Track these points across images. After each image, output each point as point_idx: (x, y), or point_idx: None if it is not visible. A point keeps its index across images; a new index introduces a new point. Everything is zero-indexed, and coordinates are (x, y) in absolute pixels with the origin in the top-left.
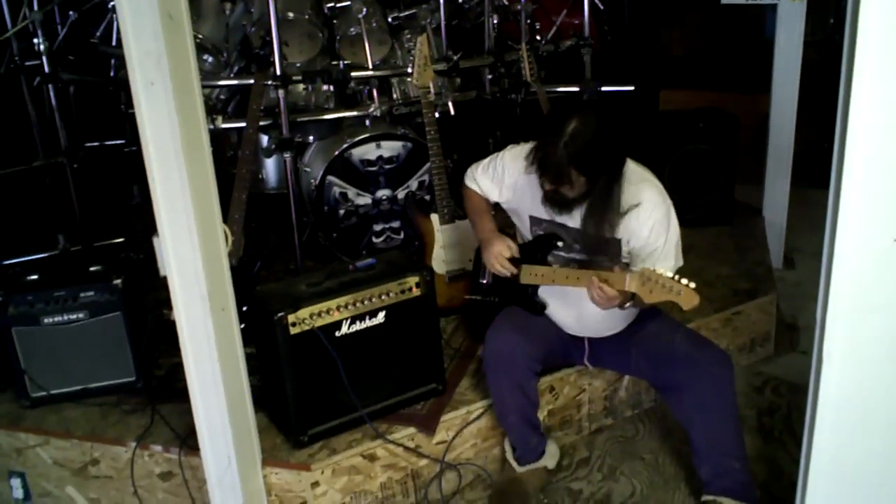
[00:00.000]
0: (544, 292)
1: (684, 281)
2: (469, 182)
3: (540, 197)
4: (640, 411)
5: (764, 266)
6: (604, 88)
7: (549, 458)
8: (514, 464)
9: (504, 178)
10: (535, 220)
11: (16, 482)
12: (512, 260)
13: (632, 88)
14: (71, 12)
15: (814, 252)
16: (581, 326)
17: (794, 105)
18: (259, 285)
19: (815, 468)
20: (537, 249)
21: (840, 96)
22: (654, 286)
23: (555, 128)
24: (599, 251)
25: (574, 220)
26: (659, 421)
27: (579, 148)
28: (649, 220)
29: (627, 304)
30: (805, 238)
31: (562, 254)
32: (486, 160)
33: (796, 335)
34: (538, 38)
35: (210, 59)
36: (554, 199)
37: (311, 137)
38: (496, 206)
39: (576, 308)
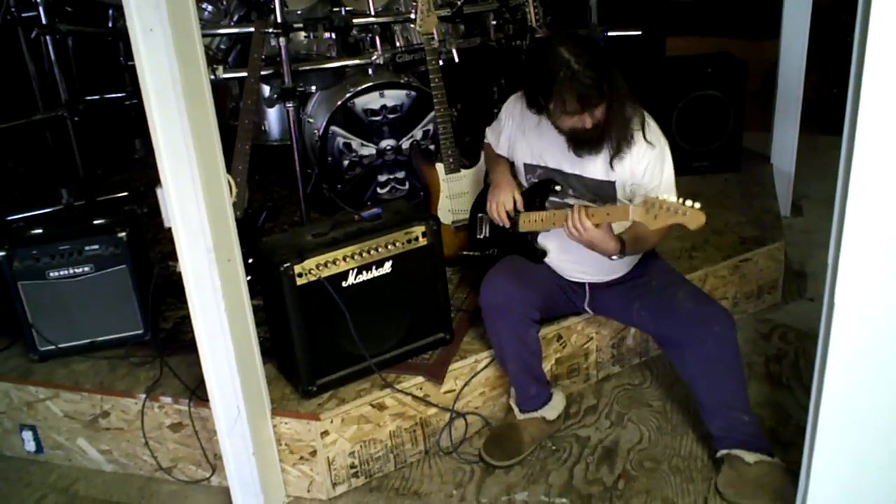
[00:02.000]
0: (543, 239)
1: (689, 202)
2: (486, 137)
3: (531, 143)
4: (648, 359)
5: (772, 213)
6: (610, 33)
7: (550, 410)
8: (515, 409)
9: (502, 129)
10: (528, 168)
11: (27, 435)
12: (511, 216)
13: (639, 33)
14: None
15: (822, 199)
16: (580, 270)
17: (804, 51)
18: (264, 237)
19: (824, 412)
20: (535, 195)
21: (855, 41)
22: (659, 211)
23: (549, 64)
24: (596, 193)
25: (564, 164)
26: (666, 368)
27: (591, 59)
28: (644, 158)
29: (614, 257)
30: (813, 185)
31: (557, 199)
32: (497, 117)
33: (804, 282)
34: None
35: (210, 7)
36: (579, 138)
37: (313, 87)
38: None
39: (574, 252)
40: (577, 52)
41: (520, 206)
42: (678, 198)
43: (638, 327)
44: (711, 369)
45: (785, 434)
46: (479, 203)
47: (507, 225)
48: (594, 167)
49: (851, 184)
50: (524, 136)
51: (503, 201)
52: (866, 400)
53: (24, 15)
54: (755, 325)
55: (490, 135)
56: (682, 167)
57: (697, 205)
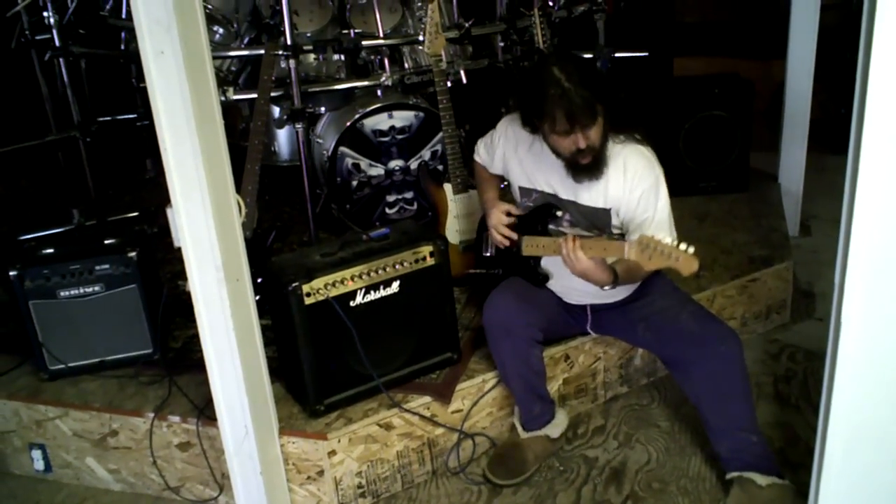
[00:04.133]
0: (546, 263)
1: (682, 246)
2: (475, 155)
3: (525, 166)
4: (656, 379)
5: (780, 233)
6: (617, 54)
7: (553, 428)
8: (519, 428)
9: (496, 150)
10: (524, 192)
11: (36, 454)
12: (514, 227)
13: (646, 54)
14: None
15: (830, 219)
16: (581, 294)
17: (811, 70)
18: (273, 257)
19: (832, 433)
20: (537, 220)
21: (860, 60)
22: (653, 253)
23: (541, 82)
24: (590, 221)
25: (559, 190)
26: (674, 389)
27: (582, 77)
28: (637, 188)
29: (606, 288)
30: (821, 205)
31: (554, 226)
32: (489, 133)
33: (812, 302)
34: (551, 3)
35: (220, 30)
36: (577, 165)
37: (322, 108)
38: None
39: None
40: (568, 71)
41: (514, 212)
42: (673, 236)
43: (643, 348)
44: (718, 390)
45: (794, 455)
46: (485, 221)
47: (515, 238)
48: (588, 194)
49: (857, 203)
50: (516, 158)
51: (497, 221)
52: (874, 420)
53: (38, 38)
54: (764, 345)
55: (483, 153)
56: (690, 187)
57: (691, 249)
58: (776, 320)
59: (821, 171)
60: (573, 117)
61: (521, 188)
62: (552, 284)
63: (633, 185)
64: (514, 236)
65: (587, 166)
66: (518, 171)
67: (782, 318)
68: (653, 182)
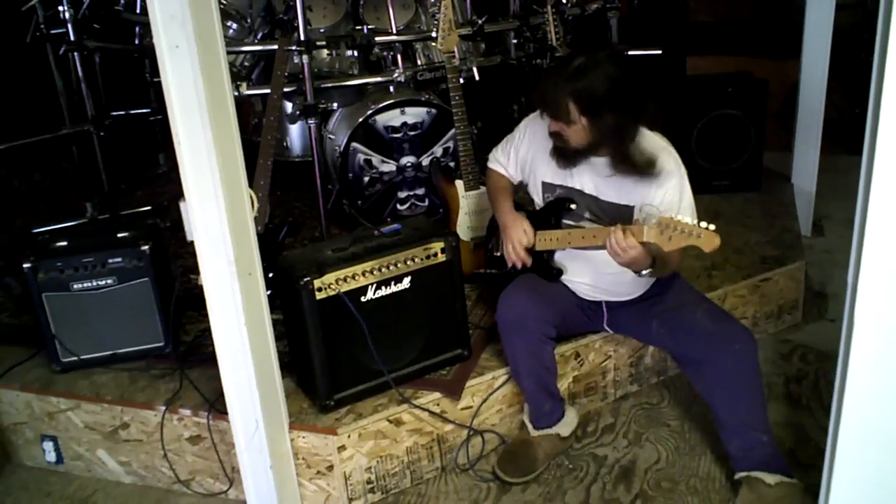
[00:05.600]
0: (560, 260)
1: (703, 224)
2: (490, 163)
3: (552, 161)
4: (666, 378)
5: (792, 233)
6: (631, 52)
7: (564, 427)
8: (529, 426)
9: (519, 147)
10: (547, 187)
11: (48, 445)
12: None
13: (659, 52)
14: None
15: (843, 219)
16: (597, 290)
17: (825, 70)
18: (285, 252)
19: (844, 434)
20: (551, 214)
21: (875, 60)
22: (673, 233)
23: (563, 63)
24: (611, 217)
25: (587, 185)
26: (684, 388)
27: (580, 80)
28: (662, 187)
29: (645, 272)
30: (835, 205)
31: (571, 220)
32: (505, 138)
33: (825, 303)
34: (564, 0)
35: (234, 25)
36: (558, 150)
37: (335, 104)
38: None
39: (591, 272)
40: (589, 63)
41: (531, 239)
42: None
43: (657, 346)
44: (731, 387)
45: (805, 456)
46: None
47: (529, 264)
48: (611, 191)
49: (871, 203)
50: (543, 154)
51: (518, 239)
52: (886, 421)
53: (52, 32)
54: (775, 346)
55: (500, 157)
56: (703, 186)
57: (712, 227)
58: (788, 320)
59: (834, 172)
60: (542, 102)
61: (544, 183)
62: (566, 279)
63: (659, 182)
64: (529, 262)
65: (560, 150)
66: (544, 168)
67: (794, 318)
68: (678, 180)
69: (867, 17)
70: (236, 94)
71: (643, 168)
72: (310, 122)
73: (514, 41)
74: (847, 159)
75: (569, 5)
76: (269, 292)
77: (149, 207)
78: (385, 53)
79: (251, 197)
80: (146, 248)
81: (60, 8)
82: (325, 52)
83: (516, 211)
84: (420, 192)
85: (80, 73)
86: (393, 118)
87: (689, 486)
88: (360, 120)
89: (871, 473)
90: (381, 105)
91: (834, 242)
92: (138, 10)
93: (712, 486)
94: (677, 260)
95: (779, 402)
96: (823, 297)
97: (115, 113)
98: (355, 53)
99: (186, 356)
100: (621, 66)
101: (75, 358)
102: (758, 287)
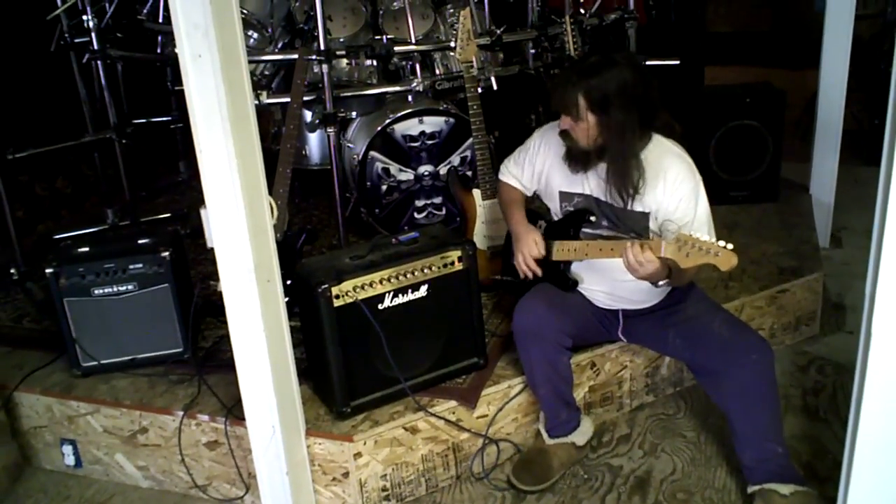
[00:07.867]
0: (576, 268)
1: (721, 242)
2: (502, 176)
3: (565, 168)
4: (682, 389)
5: (810, 244)
6: (649, 62)
7: (579, 436)
8: (544, 435)
9: (535, 159)
10: (564, 196)
11: (67, 449)
12: (546, 232)
13: (678, 62)
14: None
15: (862, 230)
16: (614, 298)
17: (844, 81)
18: (303, 259)
19: (861, 447)
20: (569, 225)
21: (893, 71)
22: (691, 250)
23: (580, 60)
24: (627, 225)
25: (596, 191)
26: (701, 399)
27: (592, 77)
28: (676, 193)
29: (661, 283)
30: (853, 216)
31: (590, 230)
32: (516, 150)
33: (843, 315)
34: (582, 11)
35: (255, 34)
36: (569, 151)
37: (354, 113)
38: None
39: (608, 282)
40: (603, 61)
41: (542, 250)
42: (712, 237)
43: (673, 356)
44: (747, 398)
45: (822, 468)
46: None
47: (540, 275)
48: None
49: (889, 215)
50: (559, 164)
51: (528, 250)
52: None
53: (76, 41)
54: (792, 357)
55: (513, 169)
56: (721, 196)
57: (730, 246)
58: (805, 332)
59: (852, 183)
60: (553, 95)
61: (561, 192)
62: (582, 289)
63: (674, 189)
64: (539, 273)
65: (570, 151)
66: (560, 177)
67: (811, 329)
68: (692, 186)
69: (886, 28)
70: (256, 102)
71: (631, 184)
72: (329, 130)
73: (532, 51)
74: (866, 170)
75: (587, 15)
76: (287, 299)
77: (169, 214)
78: (404, 63)
79: (271, 205)
80: (167, 254)
81: (85, 17)
82: (345, 61)
83: (530, 223)
84: (437, 200)
85: (102, 82)
86: (411, 127)
87: (704, 497)
88: (379, 129)
89: (888, 486)
90: (399, 114)
91: (852, 254)
92: (161, 20)
93: (728, 497)
94: (693, 272)
95: (796, 414)
96: (841, 309)
97: (136, 121)
98: (374, 63)
99: (205, 362)
100: (635, 69)
101: (95, 363)
102: (775, 298)
